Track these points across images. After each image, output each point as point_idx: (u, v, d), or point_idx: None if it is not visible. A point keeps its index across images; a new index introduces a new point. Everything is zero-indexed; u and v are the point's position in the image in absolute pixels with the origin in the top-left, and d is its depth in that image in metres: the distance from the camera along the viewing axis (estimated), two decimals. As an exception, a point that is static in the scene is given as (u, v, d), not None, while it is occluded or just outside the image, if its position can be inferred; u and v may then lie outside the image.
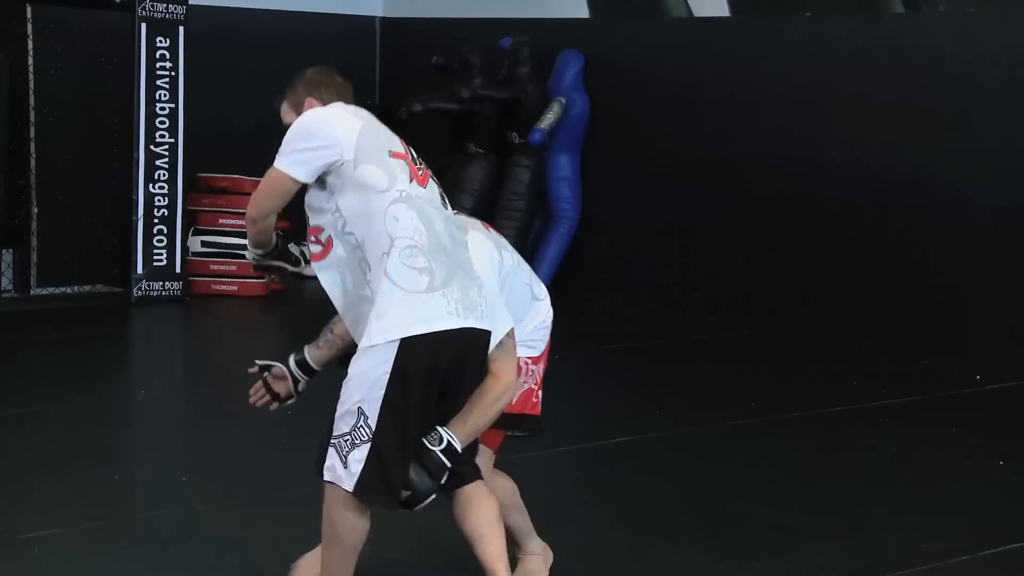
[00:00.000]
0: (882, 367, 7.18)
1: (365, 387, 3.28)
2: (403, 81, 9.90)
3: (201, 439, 5.80)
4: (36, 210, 8.65)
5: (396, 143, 3.47)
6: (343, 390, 3.33)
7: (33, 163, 8.64)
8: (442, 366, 3.33)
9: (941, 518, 4.77)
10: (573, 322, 8.75)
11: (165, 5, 8.59)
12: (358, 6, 10.28)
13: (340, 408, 3.33)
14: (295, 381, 3.70)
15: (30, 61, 8.59)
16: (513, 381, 3.50)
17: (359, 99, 3.61)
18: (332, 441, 3.33)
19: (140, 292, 8.55)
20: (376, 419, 3.27)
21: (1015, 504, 4.98)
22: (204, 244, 8.91)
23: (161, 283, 8.62)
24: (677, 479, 5.18)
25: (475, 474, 3.51)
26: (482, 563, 3.49)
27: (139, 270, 8.56)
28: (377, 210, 3.34)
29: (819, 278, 8.00)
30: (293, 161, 3.39)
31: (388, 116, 9.54)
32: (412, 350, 3.27)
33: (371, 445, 3.27)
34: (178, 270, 8.69)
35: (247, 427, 5.35)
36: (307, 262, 3.62)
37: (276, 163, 3.43)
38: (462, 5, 9.79)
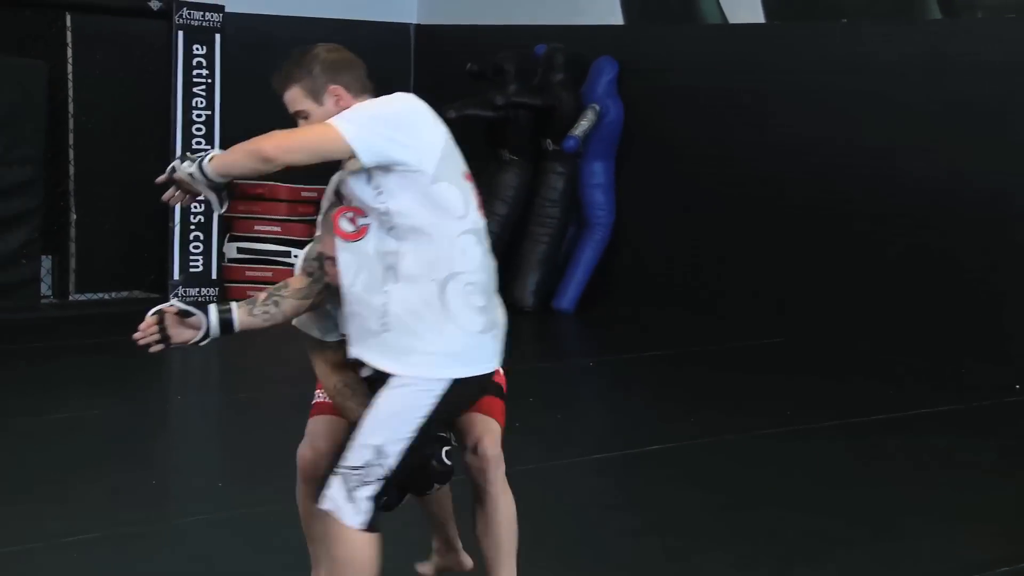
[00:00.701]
0: (920, 376, 7.13)
1: (396, 426, 3.06)
2: (437, 88, 9.89)
3: (238, 444, 5.84)
4: (75, 217, 8.74)
5: (463, 162, 3.16)
6: (369, 418, 3.08)
7: (72, 170, 8.73)
8: (468, 404, 3.30)
9: (979, 529, 4.73)
10: (606, 329, 8.78)
11: (202, 13, 8.65)
12: (393, 13, 10.32)
13: (360, 438, 3.08)
14: (205, 337, 3.24)
15: (69, 69, 8.69)
16: None
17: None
18: (340, 470, 3.08)
19: (177, 298, 8.60)
20: (397, 458, 3.06)
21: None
22: (240, 250, 8.96)
23: (197, 289, 8.68)
24: (711, 486, 5.17)
25: None
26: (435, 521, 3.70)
27: (176, 276, 8.62)
28: (445, 235, 3.04)
29: (855, 285, 7.96)
30: (364, 136, 2.95)
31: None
32: (457, 391, 3.10)
33: (384, 483, 3.06)
34: (214, 276, 8.75)
35: (284, 432, 5.35)
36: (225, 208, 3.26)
37: (340, 126, 2.97)
38: (496, 12, 9.80)
